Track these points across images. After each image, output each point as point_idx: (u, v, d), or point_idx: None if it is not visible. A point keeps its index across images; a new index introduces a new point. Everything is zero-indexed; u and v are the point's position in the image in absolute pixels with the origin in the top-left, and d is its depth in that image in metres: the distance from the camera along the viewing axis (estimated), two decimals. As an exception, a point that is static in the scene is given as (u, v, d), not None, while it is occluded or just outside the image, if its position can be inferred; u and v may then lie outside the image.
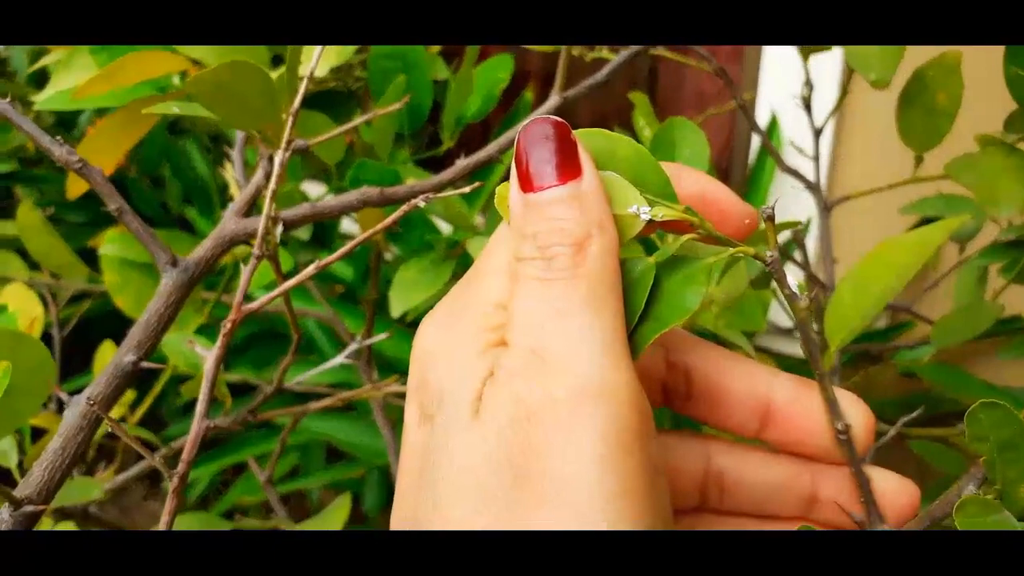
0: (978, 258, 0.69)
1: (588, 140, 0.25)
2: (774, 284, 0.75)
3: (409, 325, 0.87)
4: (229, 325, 0.29)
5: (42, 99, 0.48)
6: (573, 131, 0.24)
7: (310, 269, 0.30)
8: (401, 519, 0.23)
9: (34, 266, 0.67)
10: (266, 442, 1.03)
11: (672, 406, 0.28)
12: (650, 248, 0.27)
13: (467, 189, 0.32)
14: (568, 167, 0.24)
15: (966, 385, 0.89)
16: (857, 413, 0.27)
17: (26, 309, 0.55)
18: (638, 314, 0.24)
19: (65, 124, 0.98)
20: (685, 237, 0.25)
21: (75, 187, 0.48)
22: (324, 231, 0.60)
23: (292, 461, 1.11)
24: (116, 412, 0.56)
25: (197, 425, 0.28)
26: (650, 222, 0.24)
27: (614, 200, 0.24)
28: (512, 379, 0.22)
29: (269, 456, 1.05)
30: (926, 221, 0.75)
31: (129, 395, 0.60)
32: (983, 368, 0.93)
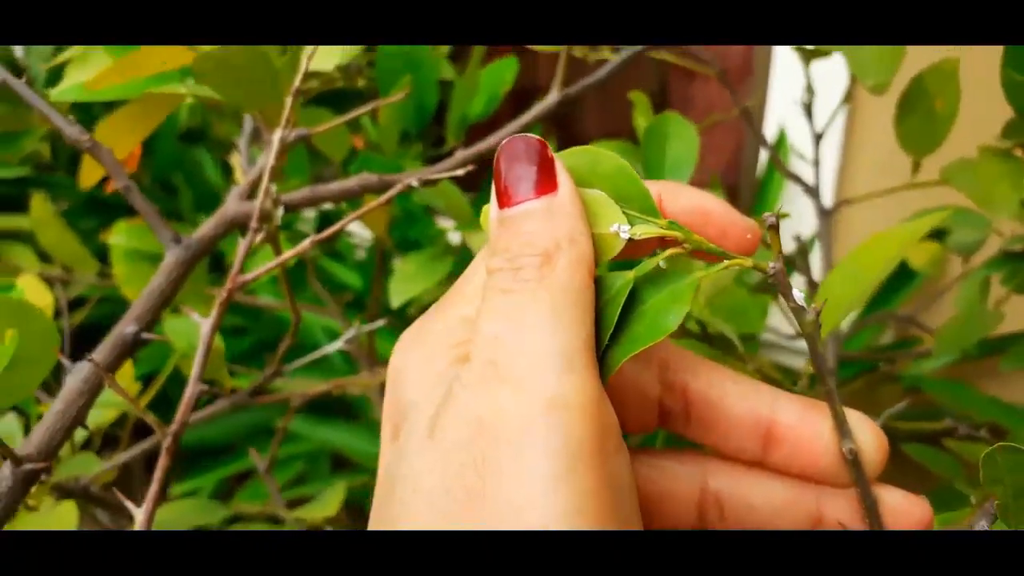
0: (981, 269, 0.69)
1: (573, 158, 0.25)
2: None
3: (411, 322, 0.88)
4: (225, 294, 0.30)
5: (57, 91, 0.50)
6: (551, 149, 0.24)
7: (306, 243, 0.31)
8: None
9: (46, 259, 0.68)
10: (268, 451, 1.04)
11: (671, 429, 0.27)
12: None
13: (460, 171, 0.32)
14: (544, 182, 0.24)
15: (972, 400, 0.88)
16: (867, 432, 0.25)
17: (36, 299, 0.56)
18: (611, 332, 0.23)
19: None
20: (669, 251, 0.24)
21: (88, 176, 0.49)
22: (327, 226, 0.61)
23: (298, 468, 1.11)
24: (117, 410, 0.57)
25: (191, 388, 0.29)
26: (630, 240, 0.24)
27: (598, 218, 0.24)
28: (466, 393, 0.21)
29: (275, 464, 1.05)
30: (937, 232, 0.75)
31: (133, 388, 0.61)
32: (989, 385, 0.93)
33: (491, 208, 0.24)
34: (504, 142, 0.24)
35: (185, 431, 1.02)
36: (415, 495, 0.21)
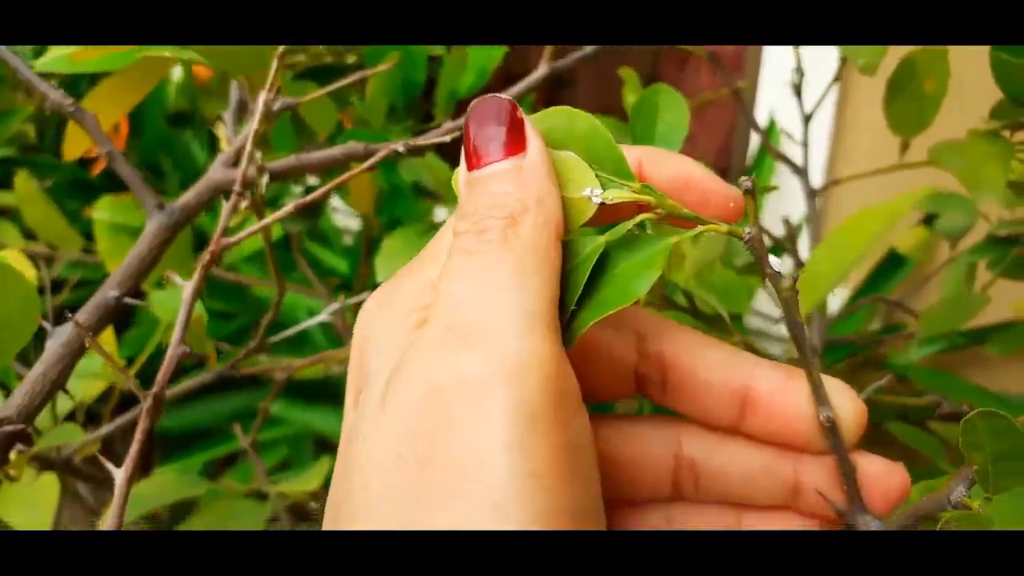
0: (968, 254, 0.69)
1: (549, 119, 0.25)
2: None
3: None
4: (208, 257, 0.29)
5: (42, 62, 0.49)
6: (521, 110, 0.24)
7: (289, 207, 0.30)
8: (328, 506, 0.23)
9: (30, 236, 0.68)
10: (257, 433, 1.03)
11: (649, 396, 0.27)
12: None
13: (447, 137, 0.32)
14: (513, 143, 0.23)
15: (959, 389, 0.89)
16: (846, 400, 0.25)
17: (20, 273, 0.56)
18: (579, 296, 0.23)
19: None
20: (641, 216, 0.24)
21: (72, 147, 0.49)
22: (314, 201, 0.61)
23: (283, 453, 1.11)
24: (101, 383, 0.56)
25: (172, 350, 0.28)
26: (606, 205, 0.23)
27: (570, 181, 0.24)
28: (421, 358, 0.21)
29: (260, 448, 1.05)
30: (928, 217, 0.75)
31: (117, 361, 0.61)
32: (974, 374, 0.93)
33: (460, 171, 0.24)
34: (474, 103, 0.24)
35: (171, 414, 1.01)
36: (368, 462, 0.21)
